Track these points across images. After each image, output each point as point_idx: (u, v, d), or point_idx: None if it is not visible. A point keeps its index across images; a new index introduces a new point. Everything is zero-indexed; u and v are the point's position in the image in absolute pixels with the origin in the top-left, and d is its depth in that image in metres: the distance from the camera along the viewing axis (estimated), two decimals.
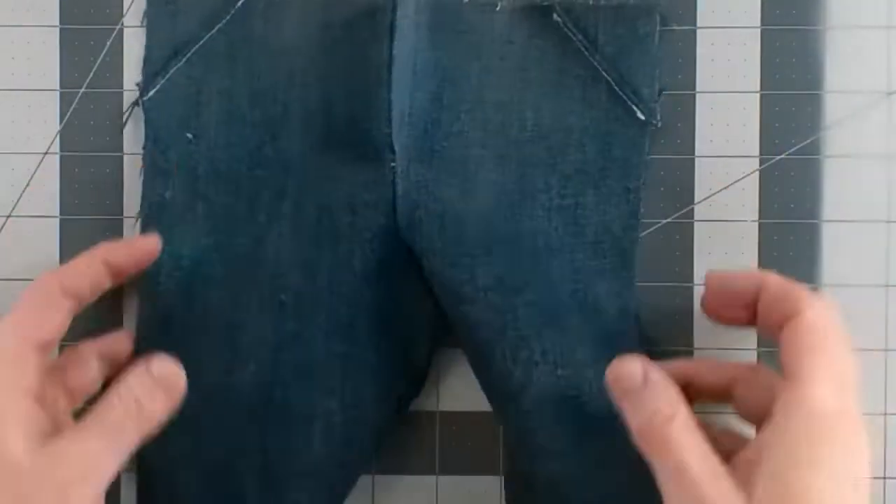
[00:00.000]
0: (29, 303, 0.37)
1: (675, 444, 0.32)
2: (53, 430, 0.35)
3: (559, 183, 0.42)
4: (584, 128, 0.42)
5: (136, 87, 0.43)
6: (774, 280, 0.36)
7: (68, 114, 0.43)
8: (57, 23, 0.43)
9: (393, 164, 0.41)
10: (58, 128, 0.43)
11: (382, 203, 0.42)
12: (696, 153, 0.43)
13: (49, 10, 0.43)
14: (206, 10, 0.43)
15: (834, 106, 0.43)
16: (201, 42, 0.42)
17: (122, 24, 0.43)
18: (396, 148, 0.41)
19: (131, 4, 0.43)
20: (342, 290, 0.42)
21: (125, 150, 0.43)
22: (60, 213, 0.43)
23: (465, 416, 0.43)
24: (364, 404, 0.42)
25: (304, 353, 0.41)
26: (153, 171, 0.42)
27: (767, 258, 0.43)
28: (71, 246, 0.43)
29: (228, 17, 0.42)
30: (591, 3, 0.42)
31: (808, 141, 0.43)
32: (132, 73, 0.43)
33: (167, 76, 0.42)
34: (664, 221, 0.43)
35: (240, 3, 0.42)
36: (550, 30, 0.43)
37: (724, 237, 0.43)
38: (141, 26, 0.43)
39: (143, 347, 0.41)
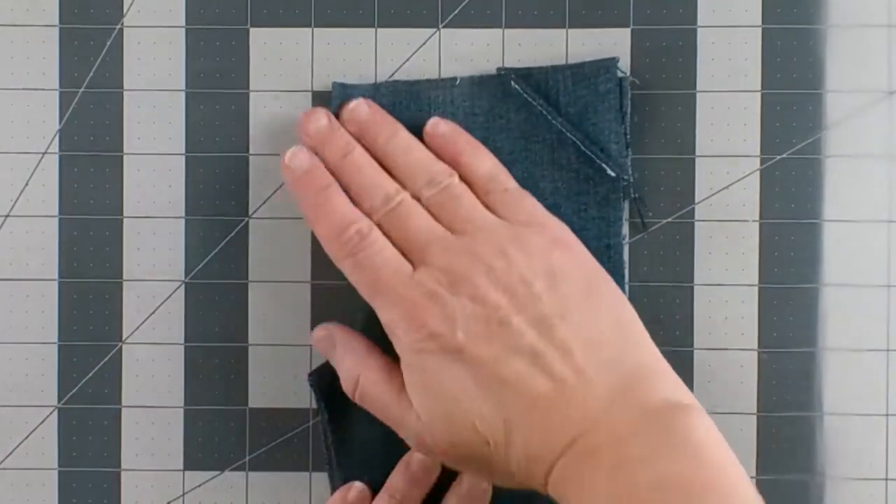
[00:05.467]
0: None
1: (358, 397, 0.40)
2: None
3: None
4: (556, 190, 0.42)
5: None
6: None
7: (68, 114, 0.43)
8: (57, 23, 0.43)
9: None
10: (58, 128, 0.43)
11: None
12: (696, 153, 0.43)
13: (49, 10, 0.43)
14: None
15: (834, 105, 0.43)
16: None
17: (122, 24, 0.43)
18: None
19: (131, 4, 0.43)
20: None
21: (125, 150, 0.43)
22: (60, 213, 0.43)
23: None
24: None
25: None
26: None
27: (767, 258, 0.43)
28: (71, 246, 0.43)
29: None
30: (548, 67, 0.42)
31: (809, 141, 0.43)
32: (132, 72, 0.43)
33: None
34: (664, 221, 0.43)
35: None
36: (511, 98, 0.42)
37: (724, 237, 0.43)
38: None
39: None
